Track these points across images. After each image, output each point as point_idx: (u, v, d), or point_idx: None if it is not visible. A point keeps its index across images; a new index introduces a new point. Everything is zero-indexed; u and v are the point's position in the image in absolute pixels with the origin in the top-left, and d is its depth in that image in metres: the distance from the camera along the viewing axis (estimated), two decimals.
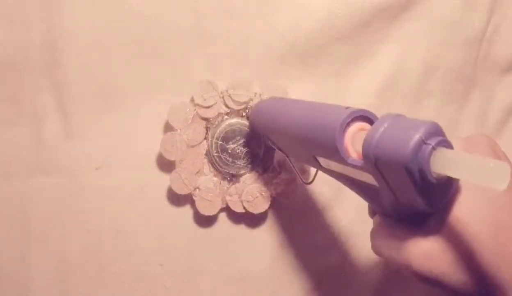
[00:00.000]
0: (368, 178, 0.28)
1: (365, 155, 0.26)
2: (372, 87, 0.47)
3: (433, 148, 0.23)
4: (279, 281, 0.47)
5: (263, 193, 0.44)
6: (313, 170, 0.41)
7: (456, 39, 0.48)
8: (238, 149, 0.44)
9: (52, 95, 0.43)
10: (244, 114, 0.45)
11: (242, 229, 0.46)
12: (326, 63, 0.46)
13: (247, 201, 0.44)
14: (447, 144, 0.24)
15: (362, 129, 0.28)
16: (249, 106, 0.44)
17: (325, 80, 0.47)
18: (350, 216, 0.48)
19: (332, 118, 0.29)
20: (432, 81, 0.48)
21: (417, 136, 0.23)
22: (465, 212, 0.26)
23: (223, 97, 0.44)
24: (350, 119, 0.28)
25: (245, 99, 0.44)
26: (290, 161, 0.40)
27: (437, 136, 0.24)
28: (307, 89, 0.46)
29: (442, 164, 0.23)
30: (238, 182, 0.45)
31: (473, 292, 0.26)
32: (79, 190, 0.44)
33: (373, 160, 0.25)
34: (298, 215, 0.47)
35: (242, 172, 0.45)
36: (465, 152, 0.27)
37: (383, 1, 0.45)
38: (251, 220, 0.46)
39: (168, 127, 0.44)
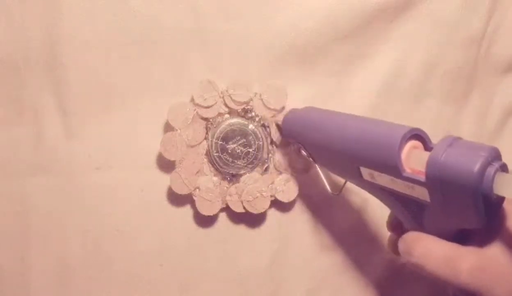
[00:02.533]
0: (418, 193, 0.29)
1: (430, 173, 0.27)
2: (372, 87, 0.47)
3: (497, 169, 0.25)
4: (279, 281, 0.47)
5: (263, 193, 0.44)
6: (338, 181, 0.42)
7: (456, 39, 0.48)
8: (238, 149, 0.44)
9: (52, 95, 0.43)
10: (243, 114, 0.45)
11: (242, 229, 0.46)
12: (326, 63, 0.46)
13: (247, 201, 0.44)
14: (506, 168, 0.26)
15: (415, 147, 0.30)
16: (249, 106, 0.44)
17: (325, 80, 0.47)
18: (350, 215, 0.48)
19: (391, 133, 0.30)
20: (432, 81, 0.48)
21: (484, 158, 0.25)
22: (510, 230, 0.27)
23: (223, 97, 0.44)
24: (409, 135, 0.30)
25: (245, 99, 0.44)
26: (319, 170, 0.41)
27: (498, 159, 0.26)
28: (307, 89, 0.46)
29: (504, 185, 0.24)
30: (238, 182, 0.45)
31: None
32: (79, 190, 0.44)
33: (438, 177, 0.26)
34: (298, 215, 0.47)
35: (242, 172, 0.45)
36: None
37: (383, 1, 0.45)
38: (251, 220, 0.46)
39: (168, 127, 0.44)
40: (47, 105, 0.43)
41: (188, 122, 0.43)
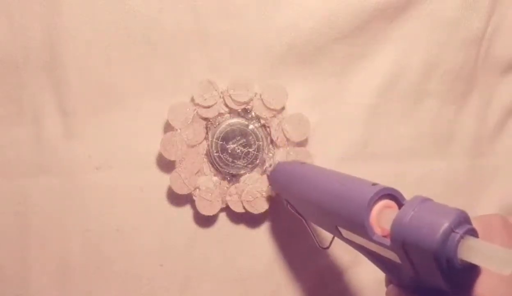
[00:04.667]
0: (390, 255, 0.29)
1: (393, 237, 0.27)
2: (372, 87, 0.47)
3: (461, 237, 0.24)
4: (279, 281, 0.47)
5: (263, 193, 0.44)
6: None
7: (456, 39, 0.48)
8: (238, 149, 0.44)
9: (52, 95, 0.43)
10: (243, 114, 0.45)
11: (242, 229, 0.46)
12: (326, 63, 0.46)
13: (247, 201, 0.44)
14: (473, 233, 0.25)
15: (387, 206, 0.29)
16: (249, 106, 0.44)
17: (325, 80, 0.47)
18: None
19: (359, 194, 0.30)
20: (432, 81, 0.48)
21: (446, 225, 0.24)
22: (486, 291, 0.26)
23: (223, 97, 0.44)
24: (377, 197, 0.29)
25: (245, 99, 0.44)
26: (307, 224, 0.40)
27: (465, 224, 0.25)
28: (307, 89, 0.46)
29: (469, 252, 0.24)
30: (238, 182, 0.45)
31: None
32: (79, 190, 0.44)
33: (401, 242, 0.26)
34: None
35: (242, 172, 0.45)
36: (485, 239, 0.27)
37: (383, 1, 0.45)
38: (251, 220, 0.46)
39: (168, 127, 0.44)
40: (47, 105, 0.43)
41: (188, 122, 0.43)
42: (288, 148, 0.45)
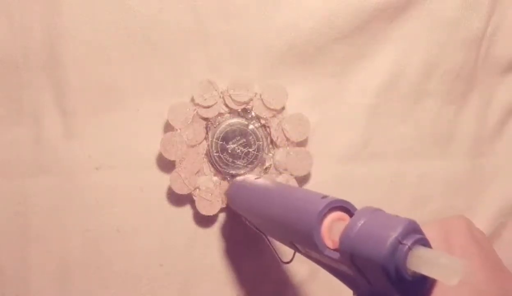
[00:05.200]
0: (344, 268, 0.28)
1: (342, 249, 0.26)
2: (372, 87, 0.47)
3: (409, 248, 0.23)
4: (280, 281, 0.47)
5: None
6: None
7: (456, 39, 0.48)
8: (238, 149, 0.44)
9: (52, 95, 0.43)
10: (243, 114, 0.45)
11: (241, 228, 0.46)
12: (326, 63, 0.46)
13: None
14: (425, 242, 0.24)
15: (339, 219, 0.28)
16: (249, 106, 0.44)
17: (325, 80, 0.47)
18: None
19: (308, 209, 0.29)
20: (432, 81, 0.48)
21: (393, 237, 0.23)
22: None
23: (223, 97, 0.44)
24: (326, 210, 0.28)
25: (245, 99, 0.44)
26: (268, 240, 0.40)
27: (414, 234, 0.24)
28: (307, 89, 0.46)
29: (418, 262, 0.23)
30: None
31: None
32: (79, 190, 0.44)
33: (350, 255, 0.25)
34: None
35: (242, 172, 0.45)
36: (445, 243, 0.27)
37: (383, 1, 0.45)
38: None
39: (168, 127, 0.44)
40: (47, 105, 0.43)
41: (188, 122, 0.43)
42: (288, 148, 0.45)
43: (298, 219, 0.30)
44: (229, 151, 0.44)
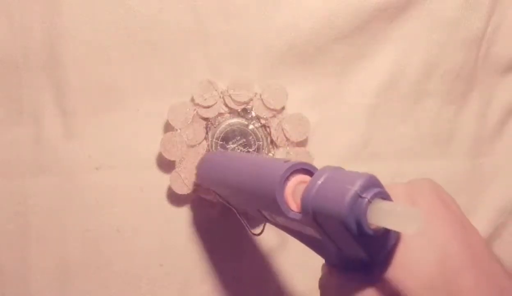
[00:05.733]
0: (309, 231, 0.28)
1: (303, 209, 0.26)
2: (372, 87, 0.47)
3: (369, 201, 0.23)
4: (280, 281, 0.47)
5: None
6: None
7: (456, 39, 0.48)
8: (238, 149, 0.44)
9: (52, 95, 0.43)
10: (243, 114, 0.45)
11: (241, 228, 0.46)
12: (326, 63, 0.46)
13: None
14: (385, 196, 0.24)
15: (302, 181, 0.28)
16: (249, 106, 0.44)
17: (325, 80, 0.47)
18: None
19: (271, 173, 0.29)
20: (432, 81, 0.48)
21: (352, 191, 0.23)
22: (410, 257, 0.25)
23: (223, 97, 0.44)
24: (289, 173, 0.28)
25: (245, 99, 0.44)
26: (238, 213, 0.40)
27: (373, 188, 0.24)
28: (307, 89, 0.46)
29: (377, 215, 0.23)
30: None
31: None
32: (79, 190, 0.44)
33: (311, 214, 0.25)
34: None
35: None
36: (411, 203, 0.27)
37: (383, 1, 0.45)
38: (251, 220, 0.46)
39: (168, 127, 0.44)
40: (47, 105, 0.43)
41: (188, 122, 0.43)
42: (288, 148, 0.45)
43: (262, 184, 0.30)
44: (229, 151, 0.44)
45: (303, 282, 0.47)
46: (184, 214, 0.45)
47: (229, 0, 0.44)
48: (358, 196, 0.23)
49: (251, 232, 0.40)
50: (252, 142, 0.44)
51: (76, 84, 0.43)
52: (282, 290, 0.47)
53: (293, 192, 0.28)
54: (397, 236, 0.26)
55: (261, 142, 0.45)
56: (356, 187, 0.24)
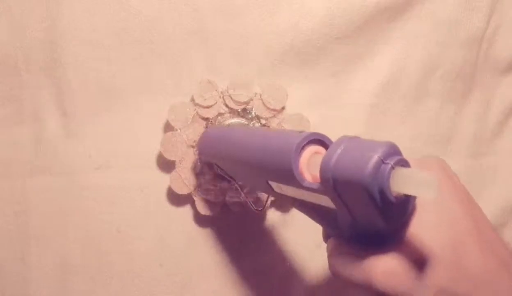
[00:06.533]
0: (324, 201, 0.28)
1: (323, 177, 0.26)
2: (372, 87, 0.47)
3: (392, 167, 0.23)
4: (280, 281, 0.47)
5: (263, 193, 0.44)
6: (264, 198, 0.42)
7: (456, 39, 0.48)
8: None
9: (52, 95, 0.43)
10: (243, 114, 0.45)
11: (242, 229, 0.46)
12: (326, 63, 0.46)
13: (247, 201, 0.44)
14: (405, 164, 0.24)
15: (316, 152, 0.28)
16: (249, 106, 0.44)
17: (325, 80, 0.47)
18: None
19: (286, 142, 0.29)
20: (432, 81, 0.48)
21: (376, 157, 0.23)
22: (423, 227, 0.26)
23: (223, 97, 0.44)
24: (305, 142, 0.28)
25: (245, 99, 0.44)
26: (240, 188, 0.40)
27: (395, 156, 0.24)
28: (307, 89, 0.46)
29: (401, 182, 0.23)
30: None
31: None
32: (79, 190, 0.44)
33: (331, 182, 0.25)
34: (298, 215, 0.47)
35: None
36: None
37: (383, 1, 0.45)
38: (251, 220, 0.46)
39: (168, 127, 0.44)
40: (47, 105, 0.43)
41: (188, 122, 0.43)
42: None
43: (276, 154, 0.29)
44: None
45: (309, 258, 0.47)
46: (184, 214, 0.45)
47: (229, 0, 0.44)
48: (382, 161, 0.23)
49: (253, 207, 0.40)
50: None
51: (76, 84, 0.43)
52: (286, 284, 0.47)
53: (308, 162, 0.28)
54: (413, 205, 0.26)
55: None
56: (379, 153, 0.24)
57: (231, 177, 0.39)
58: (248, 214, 0.45)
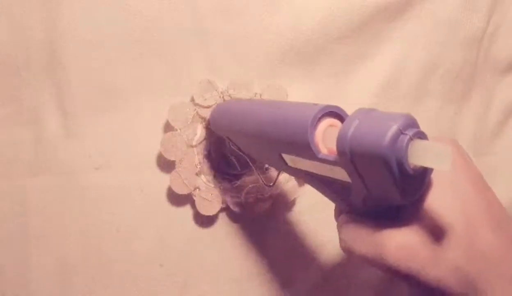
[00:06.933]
0: (338, 174, 0.28)
1: (340, 148, 0.25)
2: (372, 87, 0.47)
3: (411, 138, 0.23)
4: (280, 281, 0.47)
5: (263, 193, 0.44)
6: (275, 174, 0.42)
7: (456, 39, 0.48)
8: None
9: (52, 95, 0.43)
10: None
11: (242, 229, 0.46)
12: (326, 63, 0.46)
13: (247, 201, 0.44)
14: (423, 136, 0.24)
15: (332, 125, 0.28)
16: None
17: (325, 80, 0.47)
18: None
19: (302, 114, 0.29)
20: (432, 81, 0.48)
21: (394, 127, 0.23)
22: (438, 203, 0.26)
23: (223, 97, 0.44)
24: (321, 114, 0.28)
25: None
26: (252, 163, 0.40)
27: (413, 127, 0.24)
28: (307, 89, 0.46)
29: (419, 154, 0.23)
30: (238, 182, 0.45)
31: (447, 289, 0.26)
32: (79, 190, 0.44)
33: (348, 153, 0.25)
34: (298, 215, 0.47)
35: (242, 172, 0.45)
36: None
37: (383, 1, 0.45)
38: (251, 220, 0.46)
39: (168, 127, 0.44)
40: (47, 105, 0.43)
41: (188, 122, 0.43)
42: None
43: (291, 126, 0.29)
44: (229, 151, 0.44)
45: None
46: (184, 214, 0.45)
47: (229, 0, 0.44)
48: (400, 132, 0.23)
49: (264, 182, 0.40)
50: None
51: (76, 84, 0.43)
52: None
53: (323, 135, 0.28)
54: (428, 180, 0.26)
55: None
56: (398, 123, 0.24)
57: (243, 152, 0.39)
58: (248, 214, 0.45)
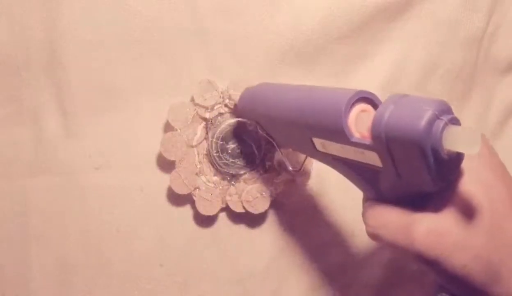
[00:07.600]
0: (370, 159, 0.28)
1: (375, 133, 0.26)
2: (372, 87, 0.47)
3: (446, 123, 0.23)
4: (280, 281, 0.47)
5: (263, 193, 0.44)
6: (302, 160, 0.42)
7: (456, 39, 0.48)
8: (238, 149, 0.44)
9: (52, 95, 0.43)
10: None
11: (242, 229, 0.46)
12: (326, 63, 0.46)
13: (247, 201, 0.44)
14: (457, 122, 0.24)
15: (364, 110, 0.29)
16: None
17: (325, 80, 0.47)
18: (351, 215, 0.48)
19: (336, 99, 0.29)
20: (432, 81, 0.48)
21: (430, 112, 0.24)
22: (466, 189, 0.26)
23: (223, 97, 0.44)
24: (355, 99, 0.29)
25: None
26: (279, 148, 0.40)
27: (448, 113, 0.24)
28: None
29: (453, 139, 0.23)
30: (238, 182, 0.45)
31: (470, 277, 0.26)
32: (79, 190, 0.44)
33: (384, 137, 0.25)
34: (298, 215, 0.47)
35: (242, 172, 0.45)
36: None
37: (383, 1, 0.45)
38: (251, 220, 0.46)
39: (168, 127, 0.44)
40: (47, 105, 0.43)
41: (188, 122, 0.43)
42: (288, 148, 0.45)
43: (324, 110, 0.30)
44: (229, 151, 0.44)
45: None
46: (184, 214, 0.45)
47: (229, 0, 0.44)
48: (436, 117, 0.23)
49: (290, 168, 0.40)
50: (252, 142, 0.44)
51: (76, 84, 0.43)
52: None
53: (356, 119, 0.28)
54: (459, 167, 0.26)
55: (261, 142, 0.45)
56: (433, 108, 0.24)
57: (271, 137, 0.39)
58: (248, 214, 0.45)
